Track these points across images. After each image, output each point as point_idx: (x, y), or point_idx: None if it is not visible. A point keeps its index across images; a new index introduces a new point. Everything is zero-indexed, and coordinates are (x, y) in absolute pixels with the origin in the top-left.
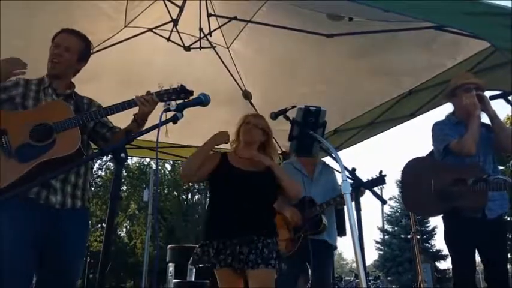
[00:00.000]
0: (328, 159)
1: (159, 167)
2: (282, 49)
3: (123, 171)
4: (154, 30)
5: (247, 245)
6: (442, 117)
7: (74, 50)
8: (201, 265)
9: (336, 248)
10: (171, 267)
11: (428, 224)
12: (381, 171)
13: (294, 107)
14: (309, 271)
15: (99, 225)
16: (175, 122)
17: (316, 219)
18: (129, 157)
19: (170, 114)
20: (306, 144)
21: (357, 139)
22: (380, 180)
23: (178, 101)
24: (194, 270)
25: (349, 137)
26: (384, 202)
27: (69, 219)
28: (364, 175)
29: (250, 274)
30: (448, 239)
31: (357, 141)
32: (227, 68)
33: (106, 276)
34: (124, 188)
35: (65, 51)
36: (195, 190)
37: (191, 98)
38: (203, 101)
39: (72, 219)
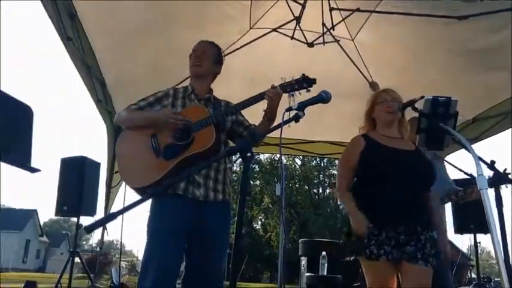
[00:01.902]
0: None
1: (289, 162)
2: (409, 35)
3: (256, 167)
4: (278, 29)
5: (409, 235)
6: None
7: (209, 54)
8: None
9: None
10: (303, 261)
11: None
12: (505, 169)
13: (422, 97)
14: None
15: (235, 218)
16: (297, 121)
17: None
18: (259, 153)
19: (292, 113)
20: (436, 137)
21: (499, 127)
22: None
23: (302, 91)
24: (326, 265)
25: (491, 126)
26: None
27: (212, 210)
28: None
29: (405, 268)
30: None
31: (500, 130)
32: (352, 61)
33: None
34: (258, 182)
35: (202, 55)
36: (326, 184)
37: (312, 96)
38: (324, 98)
39: (214, 210)
